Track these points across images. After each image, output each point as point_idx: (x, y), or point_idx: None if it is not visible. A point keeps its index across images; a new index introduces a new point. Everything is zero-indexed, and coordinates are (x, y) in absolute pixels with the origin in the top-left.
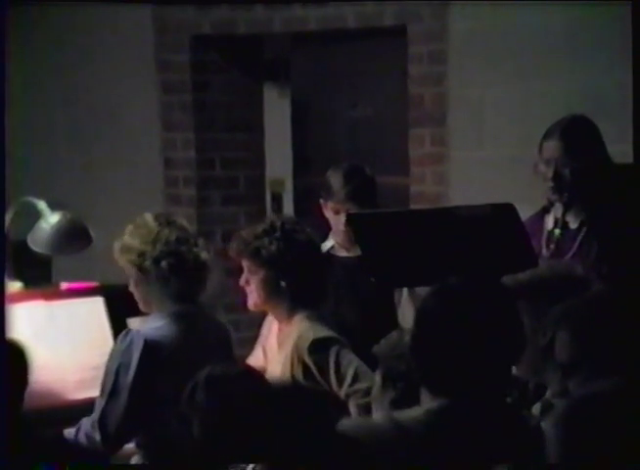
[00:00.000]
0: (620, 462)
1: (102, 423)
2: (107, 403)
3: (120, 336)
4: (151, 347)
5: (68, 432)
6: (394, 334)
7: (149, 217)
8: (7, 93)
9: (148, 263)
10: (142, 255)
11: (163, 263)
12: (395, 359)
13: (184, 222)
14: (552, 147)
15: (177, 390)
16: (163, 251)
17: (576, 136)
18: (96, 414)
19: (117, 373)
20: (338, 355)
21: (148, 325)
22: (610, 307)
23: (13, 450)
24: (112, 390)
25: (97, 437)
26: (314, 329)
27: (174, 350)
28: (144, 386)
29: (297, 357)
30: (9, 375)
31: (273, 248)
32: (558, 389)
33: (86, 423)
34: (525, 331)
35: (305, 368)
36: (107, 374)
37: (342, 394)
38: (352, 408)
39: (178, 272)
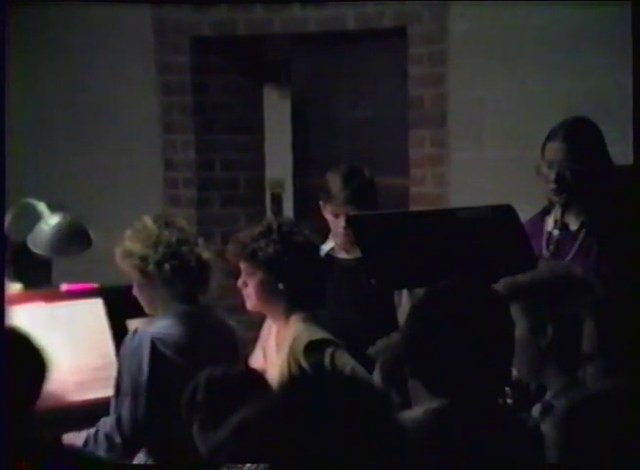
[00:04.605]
0: (621, 463)
1: (120, 424)
2: (123, 404)
3: (128, 336)
4: (158, 345)
5: (88, 432)
6: (391, 336)
7: (148, 220)
8: (7, 93)
9: (151, 267)
10: (144, 259)
11: (166, 266)
12: (392, 362)
13: (183, 223)
14: (555, 148)
15: (183, 389)
16: (166, 253)
17: (580, 138)
18: (113, 415)
19: (131, 373)
20: (333, 357)
21: (154, 325)
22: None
23: (13, 452)
24: (127, 390)
25: (117, 438)
26: (310, 331)
27: (181, 348)
28: (157, 384)
29: (293, 359)
30: (23, 374)
31: (270, 250)
32: (558, 390)
33: (106, 424)
34: (525, 333)
35: (302, 370)
36: (120, 374)
37: None
38: None
39: (181, 273)
